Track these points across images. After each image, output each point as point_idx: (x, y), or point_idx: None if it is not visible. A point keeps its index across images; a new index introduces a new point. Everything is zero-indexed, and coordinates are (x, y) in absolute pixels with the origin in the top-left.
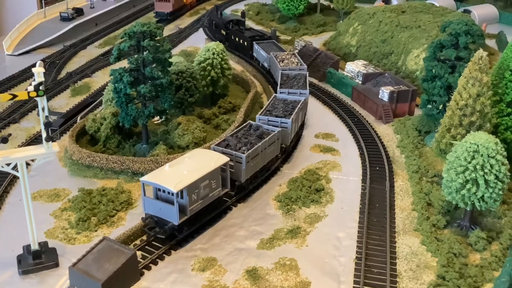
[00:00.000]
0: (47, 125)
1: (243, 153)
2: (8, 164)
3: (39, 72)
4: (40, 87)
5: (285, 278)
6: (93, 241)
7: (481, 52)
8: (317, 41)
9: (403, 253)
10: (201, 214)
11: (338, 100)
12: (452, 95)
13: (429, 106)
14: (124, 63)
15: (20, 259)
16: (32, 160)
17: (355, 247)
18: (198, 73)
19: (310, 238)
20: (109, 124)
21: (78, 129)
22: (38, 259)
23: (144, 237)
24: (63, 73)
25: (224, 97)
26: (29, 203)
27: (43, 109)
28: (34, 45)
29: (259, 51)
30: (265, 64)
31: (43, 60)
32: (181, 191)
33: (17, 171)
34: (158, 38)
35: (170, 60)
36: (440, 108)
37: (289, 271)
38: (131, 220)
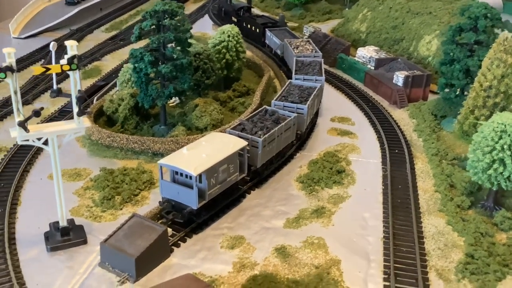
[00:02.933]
0: (80, 99)
1: (259, 137)
2: (39, 139)
3: (72, 45)
4: (74, 61)
5: (314, 256)
6: (118, 219)
7: (506, 34)
8: (323, 28)
9: (430, 232)
10: (219, 199)
11: (351, 85)
12: (469, 79)
13: (447, 89)
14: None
15: (47, 236)
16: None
17: (381, 227)
18: (214, 55)
19: (335, 218)
20: (127, 105)
21: (95, 110)
22: (66, 236)
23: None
24: None
25: (238, 80)
26: (59, 179)
27: (75, 84)
28: (40, 29)
29: (272, 38)
30: (278, 51)
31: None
32: (200, 175)
33: (47, 146)
34: (179, 17)
35: (189, 40)
36: (457, 91)
37: (317, 249)
38: (155, 199)
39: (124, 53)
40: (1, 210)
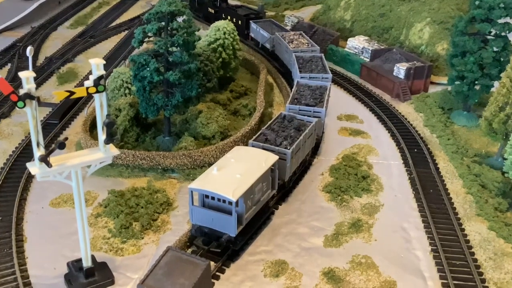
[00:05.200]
0: (110, 125)
1: (287, 148)
2: (60, 173)
3: (98, 64)
4: (100, 82)
5: (366, 278)
6: (143, 251)
7: None
8: (301, 16)
9: (476, 241)
10: (253, 221)
11: (347, 79)
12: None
13: (457, 82)
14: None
15: (69, 279)
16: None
17: (425, 238)
18: (212, 56)
19: (375, 231)
20: (127, 116)
21: (89, 122)
22: (91, 277)
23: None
24: (40, 58)
25: (234, 80)
26: (83, 216)
27: (101, 107)
28: None
29: (258, 31)
30: (267, 45)
31: (14, 44)
32: (238, 199)
33: (70, 180)
34: (185, 17)
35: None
36: (469, 84)
37: (368, 270)
38: (177, 223)
39: (97, 51)
40: (7, 249)
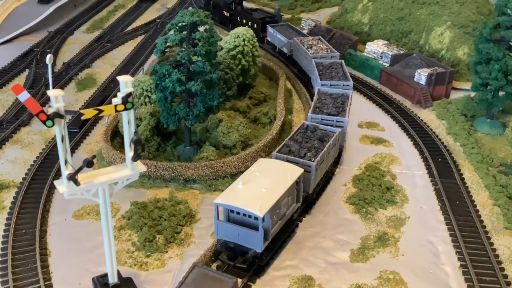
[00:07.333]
0: (137, 143)
1: (311, 160)
2: (88, 191)
3: (126, 82)
4: (129, 99)
5: None
6: (167, 265)
7: None
8: (317, 19)
9: (505, 255)
10: (278, 236)
11: (366, 84)
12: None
13: (481, 89)
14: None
15: None
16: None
17: (453, 253)
18: (232, 63)
19: (402, 245)
20: (148, 126)
21: (110, 131)
22: None
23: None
24: (58, 64)
25: (253, 87)
26: (110, 233)
27: (129, 124)
28: (15, 33)
29: (275, 35)
30: (285, 50)
31: (31, 49)
32: (265, 215)
33: (97, 197)
34: (207, 26)
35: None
36: (494, 92)
37: (396, 287)
38: (200, 236)
39: (114, 57)
40: (31, 264)
